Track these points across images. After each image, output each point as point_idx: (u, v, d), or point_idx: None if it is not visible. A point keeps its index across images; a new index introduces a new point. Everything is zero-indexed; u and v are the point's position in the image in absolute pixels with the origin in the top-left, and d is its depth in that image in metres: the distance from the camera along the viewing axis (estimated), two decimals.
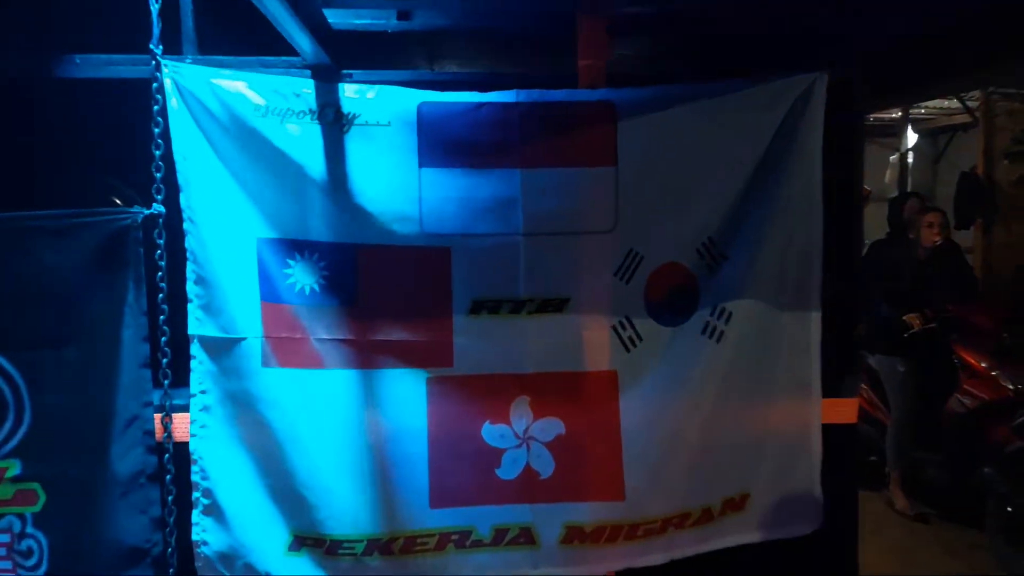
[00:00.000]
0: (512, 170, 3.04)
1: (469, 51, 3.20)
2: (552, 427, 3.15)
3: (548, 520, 3.14)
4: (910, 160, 11.14)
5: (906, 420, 6.11)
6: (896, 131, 11.25)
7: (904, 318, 5.96)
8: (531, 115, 3.03)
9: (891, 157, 11.34)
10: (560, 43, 3.02)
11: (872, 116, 10.75)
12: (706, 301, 3.16)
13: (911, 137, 11.06)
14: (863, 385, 6.24)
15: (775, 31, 3.20)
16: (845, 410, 3.24)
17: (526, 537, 3.14)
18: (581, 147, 3.06)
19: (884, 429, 6.29)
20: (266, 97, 2.93)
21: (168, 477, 3.03)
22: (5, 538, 2.99)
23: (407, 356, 3.09)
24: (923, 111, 11.24)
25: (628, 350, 3.16)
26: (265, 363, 2.99)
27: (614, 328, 3.15)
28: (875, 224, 7.83)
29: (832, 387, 3.24)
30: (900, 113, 10.94)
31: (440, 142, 3.01)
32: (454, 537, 3.11)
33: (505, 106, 3.02)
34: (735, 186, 3.11)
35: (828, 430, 3.24)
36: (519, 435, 3.14)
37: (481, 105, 3.02)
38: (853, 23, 3.14)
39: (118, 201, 3.11)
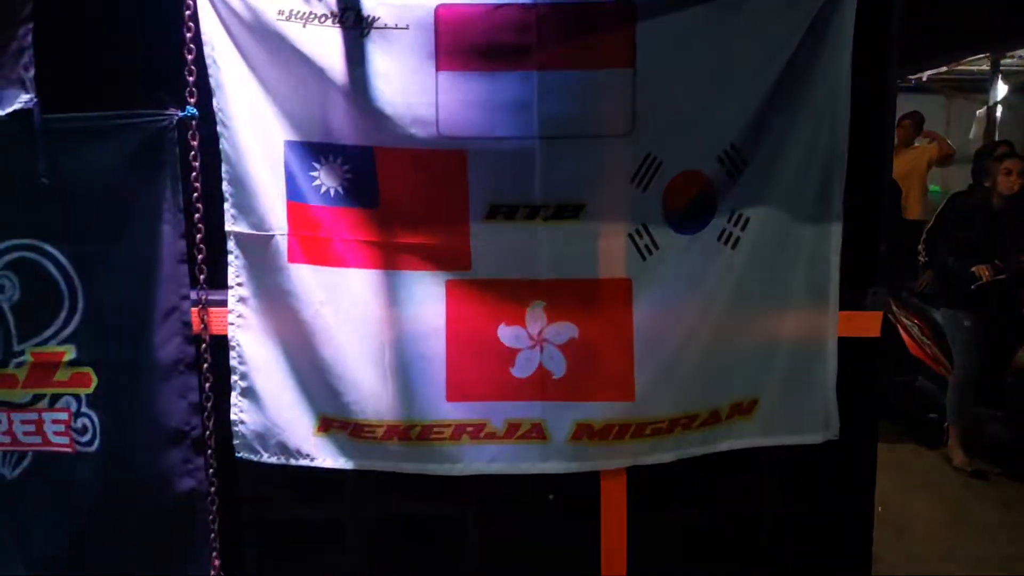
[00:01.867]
0: (528, 72, 2.86)
1: None
2: (565, 331, 3.01)
3: (558, 417, 3.03)
4: (999, 114, 10.08)
5: (970, 376, 5.63)
6: (985, 86, 10.19)
7: (973, 269, 5.47)
8: (549, 16, 2.83)
9: (978, 111, 10.35)
10: None
11: (958, 67, 9.81)
12: (724, 208, 2.92)
13: (1001, 89, 9.95)
14: (926, 340, 5.80)
15: None
16: (867, 323, 2.95)
17: (537, 432, 3.04)
18: (599, 49, 2.84)
19: (945, 386, 5.84)
20: (289, 1, 2.86)
21: (205, 366, 3.10)
22: (63, 416, 3.11)
23: (426, 259, 3.00)
24: (1015, 61, 10.11)
25: (644, 258, 2.98)
26: (292, 259, 2.96)
27: (630, 236, 2.97)
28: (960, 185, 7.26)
29: (854, 300, 2.98)
30: (989, 65, 9.88)
31: (457, 45, 2.86)
32: (468, 428, 3.05)
33: (522, 7, 2.83)
34: (758, 91, 2.84)
35: (848, 344, 2.98)
36: (533, 337, 3.03)
37: (498, 7, 2.84)
38: None
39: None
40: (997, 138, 9.73)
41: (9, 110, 2.93)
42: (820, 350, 3.00)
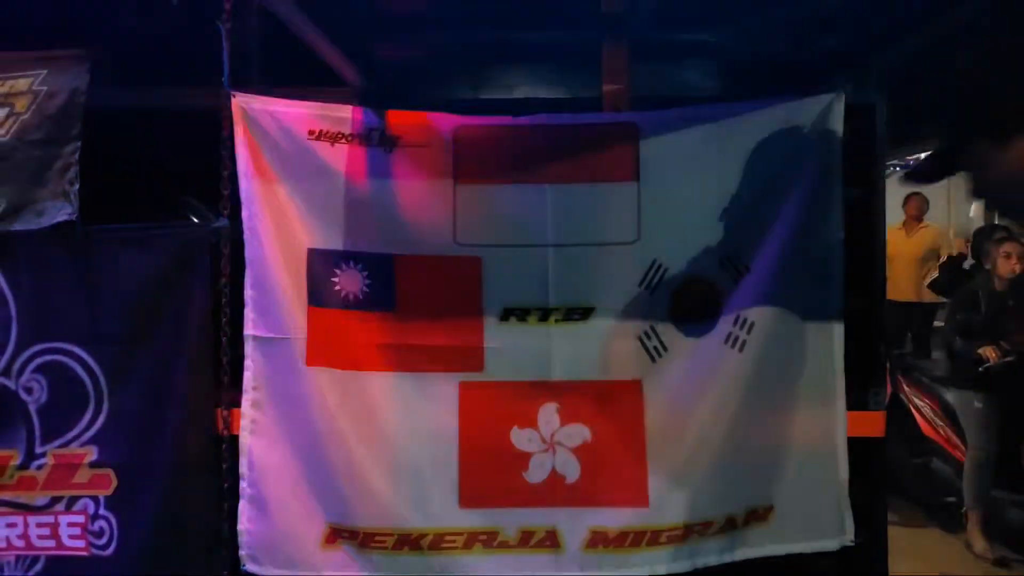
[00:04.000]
0: (540, 185, 2.88)
1: (503, 78, 3.12)
2: (578, 433, 2.90)
3: (573, 524, 2.86)
4: None
5: (984, 458, 5.34)
6: None
7: (979, 351, 5.35)
8: (559, 135, 2.88)
9: None
10: (586, 70, 2.91)
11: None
12: (728, 311, 2.86)
13: None
14: (939, 421, 5.58)
15: (796, 54, 2.99)
16: (872, 423, 2.85)
17: (551, 540, 2.87)
18: (605, 164, 2.88)
19: (961, 468, 5.60)
20: (319, 122, 2.91)
21: (225, 467, 2.96)
22: (80, 519, 2.97)
23: (440, 360, 2.92)
24: None
25: (653, 360, 2.91)
26: (310, 362, 2.88)
27: (639, 338, 2.91)
28: None
29: (859, 400, 2.89)
30: None
31: (474, 161, 2.90)
32: (481, 537, 2.87)
33: (534, 128, 2.89)
34: (753, 201, 2.85)
35: (855, 444, 2.87)
36: (546, 440, 2.91)
37: (513, 127, 2.90)
38: (873, 44, 2.89)
39: (193, 218, 3.14)
40: (996, 220, 9.75)
41: (53, 222, 2.96)
42: (831, 451, 2.85)
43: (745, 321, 2.85)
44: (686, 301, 2.90)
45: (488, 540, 2.87)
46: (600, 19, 2.90)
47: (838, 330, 2.86)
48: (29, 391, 2.96)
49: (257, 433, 2.90)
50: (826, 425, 2.85)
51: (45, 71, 2.98)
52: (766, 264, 2.85)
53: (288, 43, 3.00)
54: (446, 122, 2.91)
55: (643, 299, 2.90)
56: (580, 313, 2.89)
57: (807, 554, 2.85)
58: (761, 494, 2.87)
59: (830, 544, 2.85)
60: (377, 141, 2.91)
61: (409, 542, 2.85)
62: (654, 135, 2.85)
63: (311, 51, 2.71)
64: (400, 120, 2.91)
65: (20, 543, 2.96)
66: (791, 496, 2.87)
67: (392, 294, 2.94)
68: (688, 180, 2.87)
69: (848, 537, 2.87)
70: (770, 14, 2.97)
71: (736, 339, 2.85)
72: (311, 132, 2.90)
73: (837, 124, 2.84)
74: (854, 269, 2.86)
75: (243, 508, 2.89)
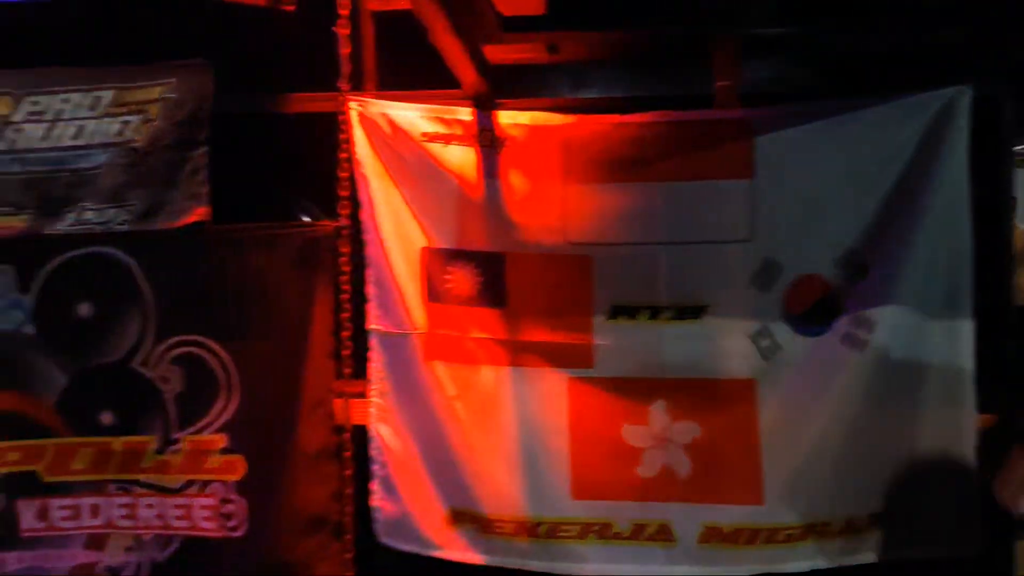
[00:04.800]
0: (651, 184, 2.84)
1: (611, 77, 3.06)
2: (689, 430, 2.85)
3: (686, 519, 2.82)
4: None
5: None
6: None
7: None
8: (669, 133, 2.82)
9: None
10: (696, 66, 2.83)
11: None
12: (847, 311, 2.75)
13: None
14: None
15: (916, 46, 2.83)
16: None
17: (664, 534, 2.85)
18: (718, 162, 2.80)
19: None
20: (433, 124, 2.93)
21: (347, 455, 3.05)
22: (212, 501, 3.11)
23: (550, 357, 2.92)
24: None
25: (766, 358, 2.82)
26: (428, 356, 2.94)
27: (752, 337, 2.84)
28: None
29: (986, 403, 2.74)
30: None
31: (584, 160, 2.86)
32: (595, 527, 2.87)
33: (645, 125, 2.83)
34: (873, 200, 2.71)
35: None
36: (657, 436, 2.87)
37: (622, 125, 2.86)
38: (1000, 34, 2.71)
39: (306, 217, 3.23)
40: None
41: (185, 222, 3.09)
42: (960, 455, 2.71)
43: (866, 321, 2.73)
44: (801, 300, 2.81)
45: (602, 531, 2.87)
46: (711, 14, 2.81)
47: (967, 328, 2.70)
48: (165, 381, 3.10)
49: (384, 421, 2.97)
50: (955, 427, 2.71)
51: (174, 79, 3.09)
52: (889, 263, 2.72)
53: (401, 47, 3.01)
54: (556, 122, 2.89)
55: (756, 297, 2.82)
56: (691, 311, 2.84)
57: (933, 560, 2.74)
58: (885, 498, 2.75)
59: (957, 551, 2.73)
60: (488, 142, 2.91)
61: (526, 529, 2.88)
62: (769, 132, 2.76)
63: (423, 54, 2.72)
64: (511, 121, 2.91)
65: (158, 523, 3.13)
66: (917, 501, 2.73)
67: (503, 292, 2.95)
68: (805, 178, 2.76)
69: (977, 544, 2.73)
70: (889, 4, 2.82)
71: (855, 339, 2.73)
72: (425, 134, 2.93)
73: (963, 119, 2.67)
74: (981, 269, 2.70)
75: (375, 489, 2.98)
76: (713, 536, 2.81)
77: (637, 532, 2.85)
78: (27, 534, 3.15)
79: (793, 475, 2.77)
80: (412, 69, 3.03)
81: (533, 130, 2.89)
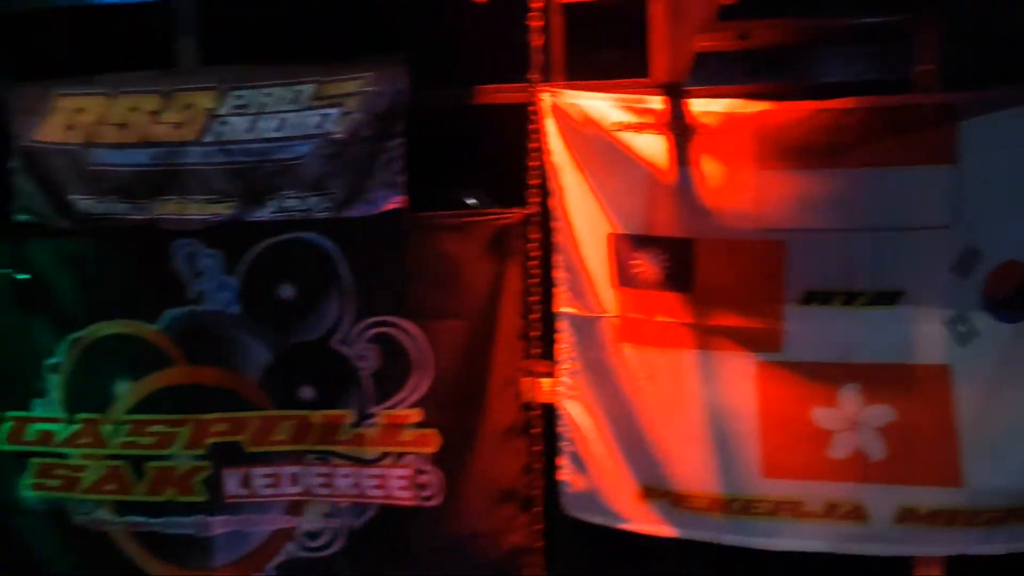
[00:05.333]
0: (849, 170, 2.82)
1: (802, 63, 3.05)
2: (882, 413, 2.84)
3: (881, 499, 2.82)
4: None
5: None
6: None
7: None
8: (869, 118, 2.80)
9: None
10: (894, 50, 2.80)
11: None
12: None
13: None
14: None
15: None
16: None
17: (857, 513, 2.85)
18: (919, 147, 2.76)
19: None
20: (624, 113, 2.98)
21: (536, 431, 3.15)
22: (407, 472, 3.25)
23: (738, 340, 2.95)
24: None
25: (963, 344, 2.79)
26: (618, 338, 3.01)
27: (948, 323, 2.81)
28: None
29: None
30: None
31: (778, 146, 2.86)
32: (786, 505, 2.91)
33: (844, 112, 2.82)
34: None
35: None
36: (848, 419, 2.87)
37: (820, 111, 2.85)
38: None
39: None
40: None
41: (382, 209, 3.23)
42: None
43: None
44: (1000, 286, 2.76)
45: (794, 509, 2.90)
46: None
47: None
48: (362, 358, 3.26)
49: (573, 399, 3.06)
50: None
51: (372, 73, 3.21)
52: None
53: (584, 38, 3.08)
54: (750, 109, 2.90)
55: (954, 284, 2.79)
56: (887, 297, 2.83)
57: None
58: None
59: None
60: (680, 130, 2.94)
61: (719, 505, 2.94)
62: (974, 116, 2.71)
63: (607, 45, 2.78)
64: (703, 109, 2.93)
65: (354, 491, 3.30)
66: None
67: (691, 276, 2.98)
68: (1010, 163, 2.71)
69: None
70: None
71: None
72: (615, 123, 2.98)
73: None
74: None
75: (564, 464, 3.07)
76: (909, 517, 2.81)
77: (829, 511, 2.87)
78: (231, 500, 3.37)
79: (993, 459, 2.75)
80: (595, 60, 3.09)
81: (726, 117, 2.91)
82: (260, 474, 3.35)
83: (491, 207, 3.37)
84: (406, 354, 3.22)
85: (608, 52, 2.97)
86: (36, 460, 3.47)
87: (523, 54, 3.08)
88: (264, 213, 3.31)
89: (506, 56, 3.14)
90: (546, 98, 3.03)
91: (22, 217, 3.45)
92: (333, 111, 3.24)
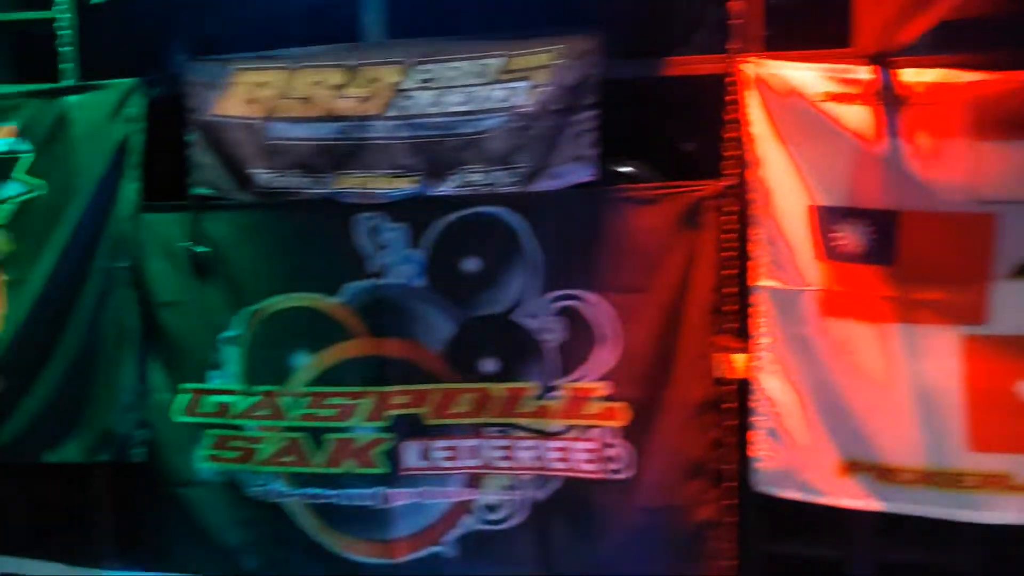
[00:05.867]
0: None
1: (1016, 33, 2.99)
2: None
3: None
4: None
5: None
6: None
7: None
8: None
9: None
10: None
11: None
12: None
13: None
14: None
15: None
16: None
17: None
18: None
19: None
20: (830, 84, 2.94)
21: (729, 406, 3.11)
22: (593, 445, 3.22)
23: (941, 313, 2.91)
24: None
25: None
26: (821, 312, 2.97)
27: None
28: None
29: None
30: None
31: (992, 117, 2.82)
32: (994, 479, 2.86)
33: None
34: None
35: None
36: None
37: None
38: None
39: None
40: None
41: (570, 183, 3.20)
42: None
43: None
44: None
45: (1001, 481, 2.85)
46: None
47: None
48: (547, 331, 3.23)
49: (771, 373, 3.02)
50: None
51: (562, 46, 3.19)
52: None
53: (784, 6, 3.05)
54: (964, 80, 2.85)
55: None
56: None
57: None
58: None
59: None
60: (889, 100, 2.90)
61: (926, 478, 2.90)
62: None
63: (812, 13, 2.75)
64: (914, 79, 2.89)
65: (536, 464, 3.27)
66: None
67: (894, 249, 2.94)
68: None
69: None
70: None
71: None
72: (821, 93, 2.95)
73: None
74: None
75: (759, 439, 3.03)
76: None
77: None
78: (410, 472, 3.36)
79: None
80: (800, 28, 3.05)
81: (938, 87, 2.87)
82: (440, 446, 3.34)
83: (650, 177, 3.35)
84: (592, 327, 3.19)
85: (803, 21, 2.93)
86: (212, 432, 3.48)
87: (700, 24, 3.06)
88: (448, 187, 3.29)
89: (698, 28, 3.11)
90: (749, 69, 3.00)
91: (200, 190, 3.45)
92: (521, 84, 3.21)
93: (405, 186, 3.31)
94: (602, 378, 3.19)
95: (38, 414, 3.57)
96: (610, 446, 3.18)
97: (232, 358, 3.46)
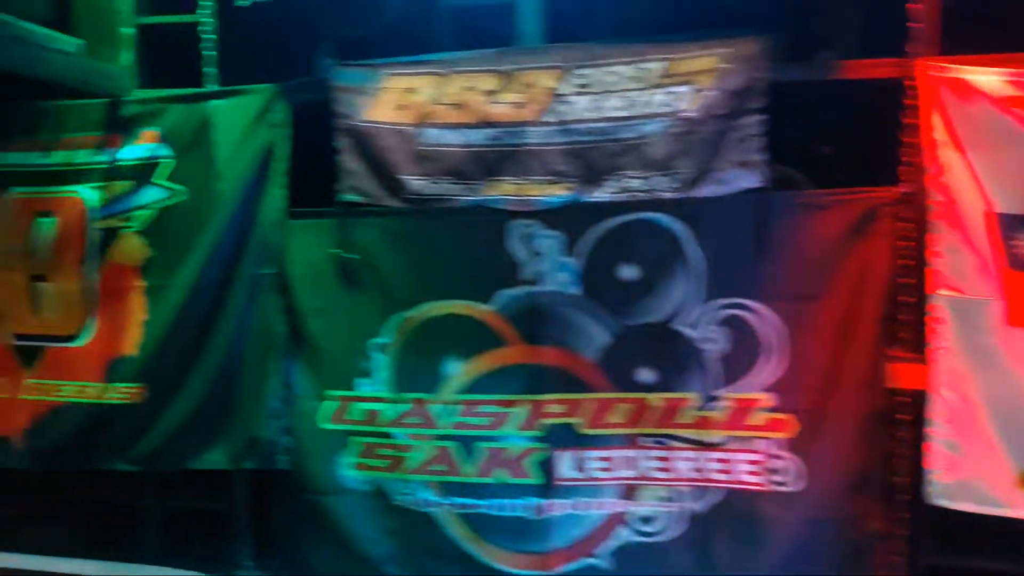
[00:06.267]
0: None
1: None
2: None
3: None
4: None
5: None
6: None
7: None
8: None
9: None
10: None
11: None
12: None
13: None
14: None
15: None
16: None
17: None
18: None
19: None
20: (1012, 89, 2.86)
21: (903, 418, 3.01)
22: (756, 457, 3.13)
23: None
24: None
25: None
26: (1011, 322, 2.87)
27: None
28: None
29: None
30: None
31: None
32: None
33: None
34: None
35: None
36: None
37: None
38: None
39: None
40: None
41: (734, 190, 3.13)
42: None
43: None
44: None
45: None
46: None
47: None
48: (709, 341, 3.15)
49: (949, 385, 2.93)
50: None
51: (726, 50, 3.12)
52: None
53: (966, 9, 2.96)
54: None
55: None
56: None
57: None
58: None
59: None
60: None
61: None
62: None
63: (992, 16, 2.66)
64: None
65: (695, 475, 3.20)
66: None
67: None
68: None
69: None
70: None
71: None
72: (1006, 98, 2.85)
73: None
74: None
75: (935, 451, 2.93)
76: None
77: None
78: (564, 482, 3.29)
79: None
80: (984, 32, 2.96)
81: None
82: (594, 456, 3.27)
83: (818, 183, 3.26)
84: (756, 337, 3.11)
85: (982, 24, 2.84)
86: (359, 439, 3.44)
87: (869, 26, 2.98)
88: (603, 194, 3.23)
89: (869, 32, 3.03)
90: (928, 72, 2.92)
91: (349, 197, 3.41)
92: (684, 88, 3.14)
93: (559, 192, 3.25)
94: (767, 389, 3.11)
95: (182, 422, 3.56)
96: (775, 458, 3.10)
97: (381, 365, 3.41)
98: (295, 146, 3.49)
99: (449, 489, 3.37)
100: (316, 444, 3.48)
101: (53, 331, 3.76)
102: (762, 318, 3.11)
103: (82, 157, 3.67)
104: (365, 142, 3.40)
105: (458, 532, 3.38)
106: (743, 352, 3.13)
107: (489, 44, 3.38)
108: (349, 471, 3.45)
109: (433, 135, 3.34)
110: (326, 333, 3.47)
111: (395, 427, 3.40)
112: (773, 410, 3.10)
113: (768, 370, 3.11)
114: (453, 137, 3.33)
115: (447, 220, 3.36)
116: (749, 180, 3.10)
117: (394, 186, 3.38)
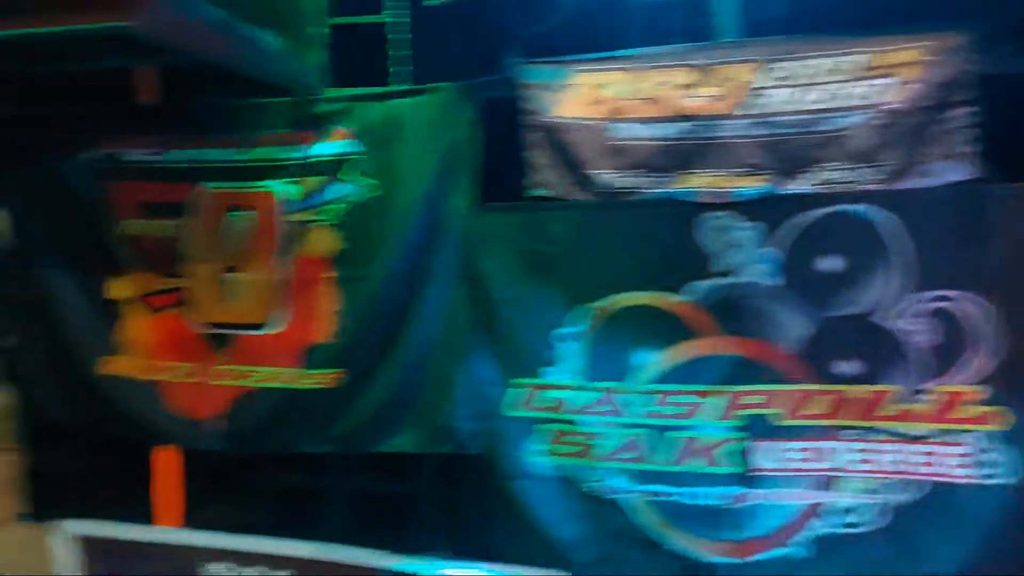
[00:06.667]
0: None
1: None
2: None
3: None
4: None
5: None
6: None
7: None
8: None
9: None
10: None
11: None
12: None
13: None
14: None
15: None
16: None
17: None
18: None
19: None
20: None
21: None
22: (965, 450, 3.08)
23: None
24: None
25: None
26: None
27: None
28: None
29: None
30: None
31: None
32: None
33: None
34: None
35: None
36: None
37: None
38: None
39: None
40: None
41: (941, 182, 3.09)
42: None
43: None
44: None
45: None
46: None
47: None
48: (913, 333, 3.11)
49: None
50: None
51: (932, 42, 3.08)
52: None
53: None
54: None
55: None
56: None
57: None
58: None
59: None
60: None
61: None
62: None
63: None
64: None
65: (897, 468, 3.16)
66: None
67: None
68: None
69: None
70: None
71: None
72: None
73: None
74: None
75: None
76: None
77: None
78: (760, 472, 3.29)
79: None
80: None
81: None
82: (793, 447, 3.26)
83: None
84: (966, 329, 3.05)
85: None
86: (547, 426, 3.51)
87: None
88: (800, 185, 3.22)
89: None
90: None
91: (538, 192, 3.49)
92: (887, 81, 3.11)
93: (754, 184, 3.25)
94: (978, 381, 3.06)
95: (378, 406, 3.68)
96: (987, 451, 3.05)
97: (571, 354, 3.47)
98: (483, 142, 3.57)
99: (641, 476, 3.40)
100: (503, 431, 3.56)
101: (242, 319, 3.93)
102: (971, 310, 3.06)
103: (277, 153, 3.81)
104: (555, 138, 3.46)
105: (648, 519, 3.41)
106: (952, 344, 3.08)
107: (678, 39, 3.41)
108: (538, 457, 3.52)
109: (624, 129, 3.38)
110: (514, 323, 3.54)
111: (584, 415, 3.45)
112: (984, 403, 3.05)
113: (978, 362, 3.05)
114: (645, 131, 3.36)
115: (636, 213, 3.39)
116: (957, 172, 3.05)
117: (583, 180, 3.44)
